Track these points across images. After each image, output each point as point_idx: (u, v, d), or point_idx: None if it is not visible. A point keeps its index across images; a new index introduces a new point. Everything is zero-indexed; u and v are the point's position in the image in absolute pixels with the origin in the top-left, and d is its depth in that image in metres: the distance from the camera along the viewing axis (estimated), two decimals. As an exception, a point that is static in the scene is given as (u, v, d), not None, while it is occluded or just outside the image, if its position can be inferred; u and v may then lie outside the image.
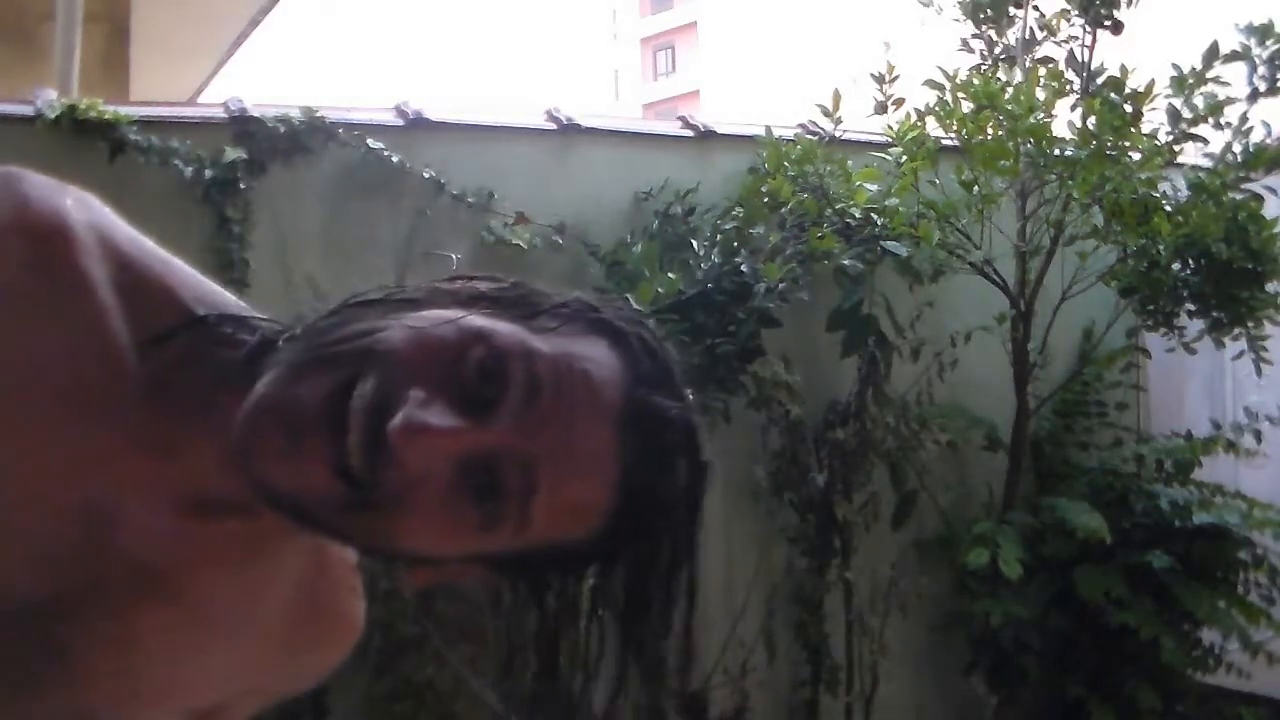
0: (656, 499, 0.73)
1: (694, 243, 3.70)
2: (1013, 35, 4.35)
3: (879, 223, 3.80)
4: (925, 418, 4.01)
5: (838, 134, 4.03)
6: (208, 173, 3.28)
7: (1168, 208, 3.73)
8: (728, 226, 3.73)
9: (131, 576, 0.72)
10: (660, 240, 3.75)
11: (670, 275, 3.53)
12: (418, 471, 0.67)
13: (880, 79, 3.96)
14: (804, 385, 3.83)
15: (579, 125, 3.87)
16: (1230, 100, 3.63)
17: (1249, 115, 3.70)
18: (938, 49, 4.23)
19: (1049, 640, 3.99)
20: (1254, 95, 3.68)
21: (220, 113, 3.42)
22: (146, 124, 3.24)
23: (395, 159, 3.51)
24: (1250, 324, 3.76)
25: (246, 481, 0.69)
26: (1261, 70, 3.67)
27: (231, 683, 0.82)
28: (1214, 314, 3.81)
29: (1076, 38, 4.17)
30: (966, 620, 3.99)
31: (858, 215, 3.81)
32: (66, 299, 0.73)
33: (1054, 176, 3.75)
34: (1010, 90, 3.71)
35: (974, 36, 4.44)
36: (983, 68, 4.34)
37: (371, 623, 3.20)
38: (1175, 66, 3.66)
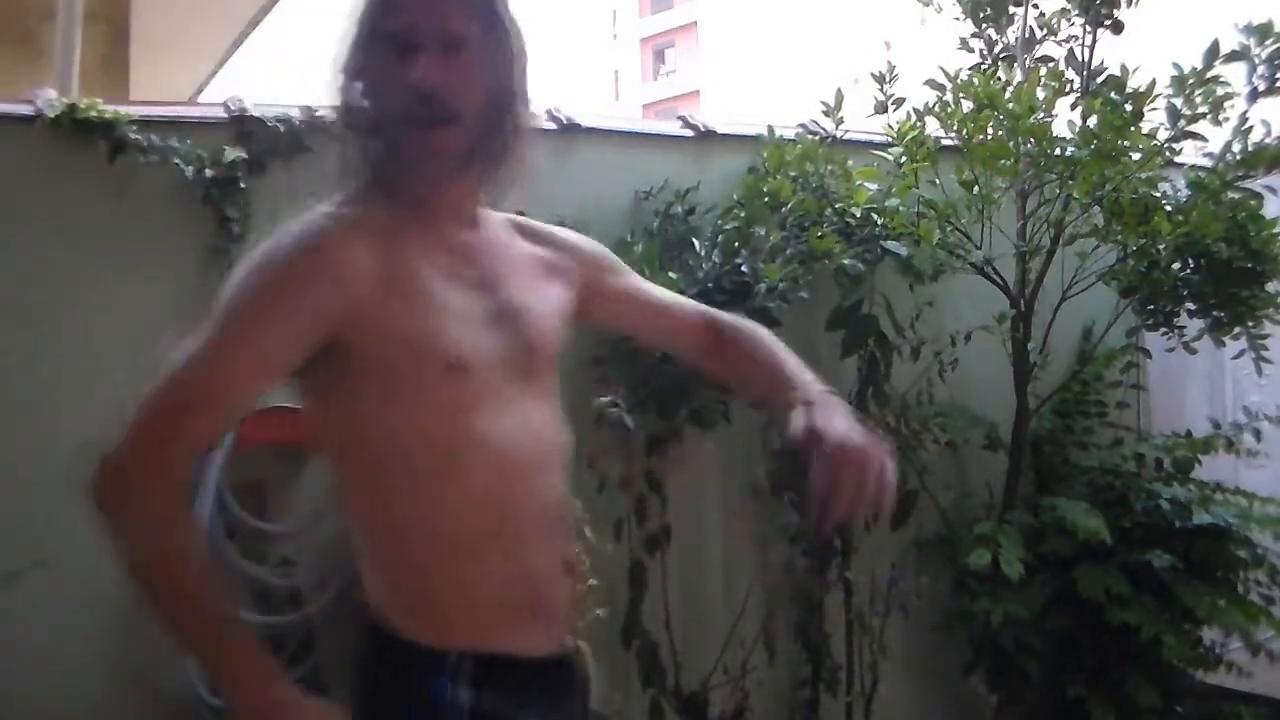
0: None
1: (695, 242, 3.70)
2: (1013, 35, 4.36)
3: (879, 223, 3.80)
4: (925, 418, 4.01)
5: (838, 134, 4.03)
6: (208, 173, 3.27)
7: (1168, 208, 3.72)
8: (728, 226, 3.73)
9: (500, 269, 1.72)
10: (660, 240, 3.74)
11: (670, 275, 3.53)
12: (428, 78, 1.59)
13: (880, 79, 3.96)
14: (804, 385, 3.81)
15: (579, 125, 3.86)
16: (1229, 96, 3.63)
17: (1248, 115, 3.70)
18: (938, 49, 4.23)
19: (1049, 640, 3.99)
20: (1254, 95, 3.68)
21: (220, 112, 3.41)
22: (146, 124, 3.23)
23: (395, 159, 3.50)
24: (1250, 323, 3.76)
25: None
26: (1261, 70, 3.66)
27: (552, 289, 1.80)
28: (1214, 314, 3.81)
29: (1077, 37, 4.17)
30: (966, 620, 3.98)
31: (858, 215, 3.81)
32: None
33: (1054, 176, 3.75)
34: (1010, 90, 3.71)
35: (974, 36, 4.45)
36: (983, 67, 4.35)
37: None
38: (1175, 66, 3.66)
